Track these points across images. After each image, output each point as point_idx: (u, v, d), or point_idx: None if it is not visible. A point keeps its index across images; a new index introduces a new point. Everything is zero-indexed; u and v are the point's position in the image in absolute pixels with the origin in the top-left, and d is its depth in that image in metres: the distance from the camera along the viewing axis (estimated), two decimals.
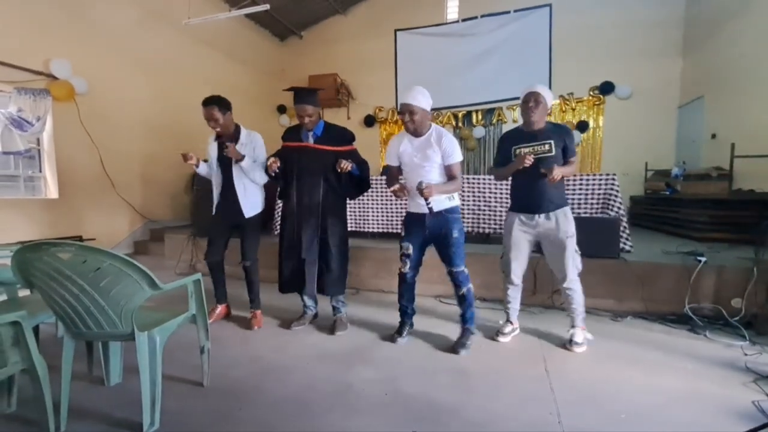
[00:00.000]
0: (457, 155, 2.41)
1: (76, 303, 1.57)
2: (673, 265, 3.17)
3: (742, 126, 5.28)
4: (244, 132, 2.93)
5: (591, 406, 1.87)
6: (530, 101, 2.43)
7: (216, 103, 2.79)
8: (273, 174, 2.72)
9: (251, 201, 2.93)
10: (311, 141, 2.74)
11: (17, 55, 4.19)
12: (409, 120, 2.39)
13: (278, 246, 2.86)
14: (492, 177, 3.75)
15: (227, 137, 2.88)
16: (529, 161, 2.35)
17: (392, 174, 2.57)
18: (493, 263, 3.17)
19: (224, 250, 3.03)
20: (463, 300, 2.55)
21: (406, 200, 2.55)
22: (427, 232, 2.49)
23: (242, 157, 2.79)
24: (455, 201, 2.49)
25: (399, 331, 2.70)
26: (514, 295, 2.71)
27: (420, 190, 2.22)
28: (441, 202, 2.41)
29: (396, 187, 2.34)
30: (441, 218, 2.44)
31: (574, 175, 3.86)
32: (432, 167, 2.43)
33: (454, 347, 2.49)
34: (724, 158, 4.89)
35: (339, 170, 2.60)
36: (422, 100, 2.37)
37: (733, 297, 2.92)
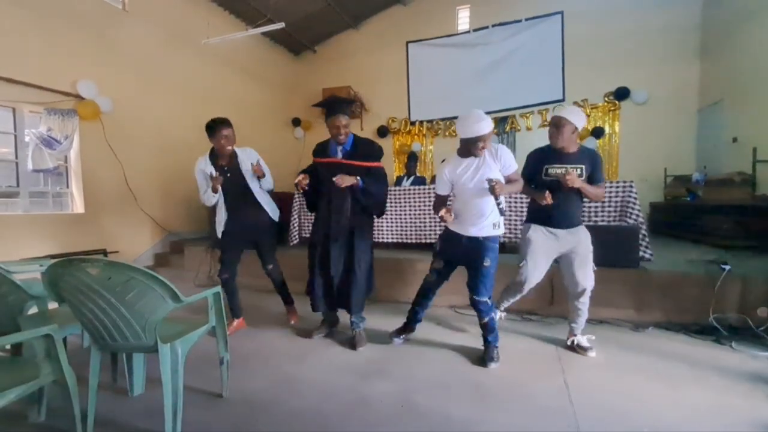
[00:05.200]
0: (515, 163, 2.44)
1: (103, 316, 1.63)
2: (696, 273, 3.10)
3: (763, 129, 5.13)
4: (238, 150, 2.98)
5: (612, 420, 1.84)
6: (551, 126, 2.46)
7: (229, 123, 2.90)
8: (302, 191, 2.72)
9: (272, 206, 3.11)
10: (340, 156, 2.73)
11: (47, 77, 4.40)
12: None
13: (308, 261, 2.85)
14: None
15: (225, 158, 2.95)
16: (548, 201, 2.35)
17: (440, 202, 2.57)
18: (508, 274, 3.15)
19: (236, 266, 3.09)
20: (485, 328, 2.50)
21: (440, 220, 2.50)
22: (461, 253, 2.49)
23: (264, 174, 2.93)
24: (499, 230, 2.45)
25: (398, 331, 2.78)
26: (517, 297, 2.79)
27: (491, 186, 2.22)
28: (485, 228, 2.41)
29: (443, 211, 2.33)
30: (478, 243, 2.43)
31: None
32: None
33: (483, 361, 2.45)
34: (747, 163, 4.76)
35: (336, 184, 2.57)
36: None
37: (759, 306, 2.83)
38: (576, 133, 2.44)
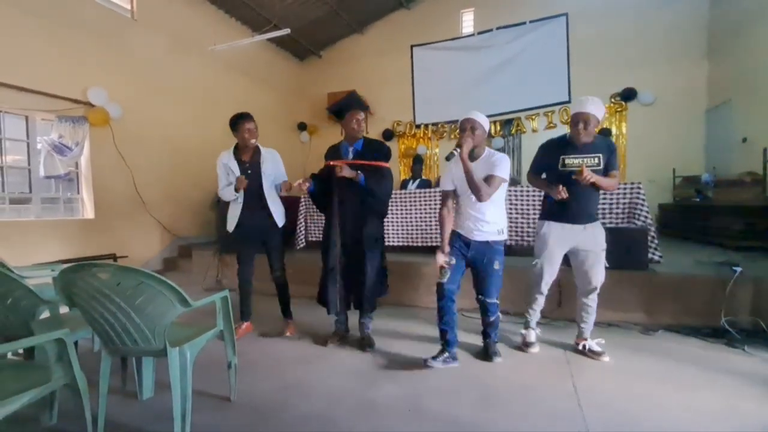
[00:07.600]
0: (502, 173, 2.36)
1: (113, 320, 1.65)
2: (706, 275, 3.06)
3: None
4: (263, 149, 3.03)
5: (622, 424, 1.82)
6: (579, 123, 2.39)
7: (252, 118, 2.95)
8: (308, 194, 2.76)
9: (280, 212, 3.07)
10: (351, 157, 2.76)
11: (58, 85, 4.49)
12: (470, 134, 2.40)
13: (321, 264, 2.86)
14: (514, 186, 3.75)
15: (248, 153, 2.99)
16: (563, 196, 2.35)
17: (445, 197, 2.56)
18: (516, 275, 3.14)
19: (252, 265, 3.13)
20: (489, 325, 2.55)
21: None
22: (470, 255, 2.47)
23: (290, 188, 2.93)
24: (503, 236, 2.49)
25: (435, 355, 2.45)
26: (541, 302, 2.72)
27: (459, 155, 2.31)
28: (490, 234, 2.43)
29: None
30: (486, 246, 2.45)
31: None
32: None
33: (489, 356, 2.51)
34: (757, 163, 4.70)
35: (336, 171, 2.60)
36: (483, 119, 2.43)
37: None
38: (597, 125, 2.42)
